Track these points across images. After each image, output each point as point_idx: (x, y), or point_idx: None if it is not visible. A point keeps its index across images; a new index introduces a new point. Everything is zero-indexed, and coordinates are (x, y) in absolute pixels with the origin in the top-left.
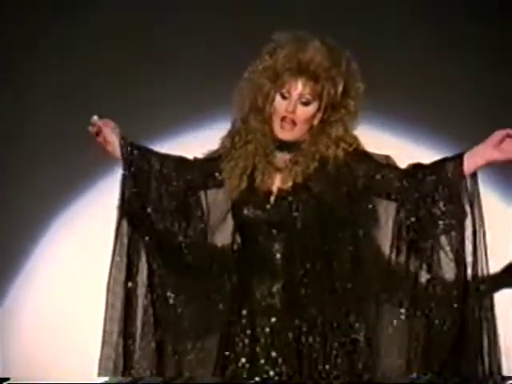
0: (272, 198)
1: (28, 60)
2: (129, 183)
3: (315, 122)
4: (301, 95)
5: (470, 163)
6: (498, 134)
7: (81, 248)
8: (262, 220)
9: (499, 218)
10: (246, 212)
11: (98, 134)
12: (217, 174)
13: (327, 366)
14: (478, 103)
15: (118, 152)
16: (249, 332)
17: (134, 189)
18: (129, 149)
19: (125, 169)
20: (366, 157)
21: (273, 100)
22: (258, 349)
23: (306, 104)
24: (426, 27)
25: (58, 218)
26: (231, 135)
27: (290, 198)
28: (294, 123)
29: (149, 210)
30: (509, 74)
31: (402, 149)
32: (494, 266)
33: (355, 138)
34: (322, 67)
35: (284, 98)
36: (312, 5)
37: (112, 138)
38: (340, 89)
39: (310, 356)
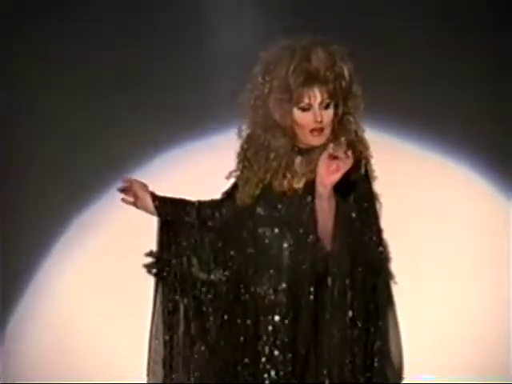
0: (285, 198)
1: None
2: (168, 235)
3: (335, 119)
4: (321, 102)
5: (319, 208)
6: (322, 159)
7: (90, 259)
8: (273, 218)
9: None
10: (258, 210)
11: (125, 191)
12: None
13: (329, 367)
14: (481, 103)
15: (150, 206)
16: (251, 330)
17: (175, 240)
18: (162, 202)
19: (161, 223)
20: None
21: (291, 114)
22: (259, 347)
23: (326, 107)
24: (428, 26)
25: (68, 228)
26: (245, 151)
27: (302, 199)
28: (322, 129)
29: (192, 259)
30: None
31: (405, 150)
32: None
33: (368, 146)
34: (328, 68)
35: (304, 110)
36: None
37: (143, 194)
38: (347, 80)
39: (312, 356)
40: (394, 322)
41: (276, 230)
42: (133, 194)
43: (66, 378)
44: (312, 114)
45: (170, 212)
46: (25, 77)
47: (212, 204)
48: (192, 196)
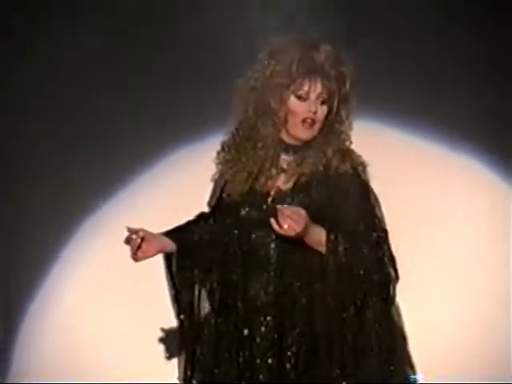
0: (269, 199)
1: None
2: (186, 261)
3: (326, 122)
4: (319, 95)
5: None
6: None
7: (100, 264)
8: (258, 220)
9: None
10: (242, 213)
11: (129, 241)
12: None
13: (323, 367)
14: (484, 98)
15: (166, 244)
16: (246, 331)
17: (192, 263)
18: (172, 233)
19: (179, 251)
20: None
21: (287, 101)
22: (254, 348)
23: (323, 103)
24: (431, 22)
25: (77, 231)
26: (234, 141)
27: (289, 200)
28: (313, 123)
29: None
30: None
31: (410, 145)
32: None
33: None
34: (335, 67)
35: (301, 99)
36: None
37: (153, 235)
38: (348, 88)
39: (308, 356)
40: (396, 320)
41: (262, 232)
42: (141, 240)
43: (70, 379)
44: (307, 104)
45: (183, 238)
46: (28, 78)
47: (209, 216)
48: (194, 196)
